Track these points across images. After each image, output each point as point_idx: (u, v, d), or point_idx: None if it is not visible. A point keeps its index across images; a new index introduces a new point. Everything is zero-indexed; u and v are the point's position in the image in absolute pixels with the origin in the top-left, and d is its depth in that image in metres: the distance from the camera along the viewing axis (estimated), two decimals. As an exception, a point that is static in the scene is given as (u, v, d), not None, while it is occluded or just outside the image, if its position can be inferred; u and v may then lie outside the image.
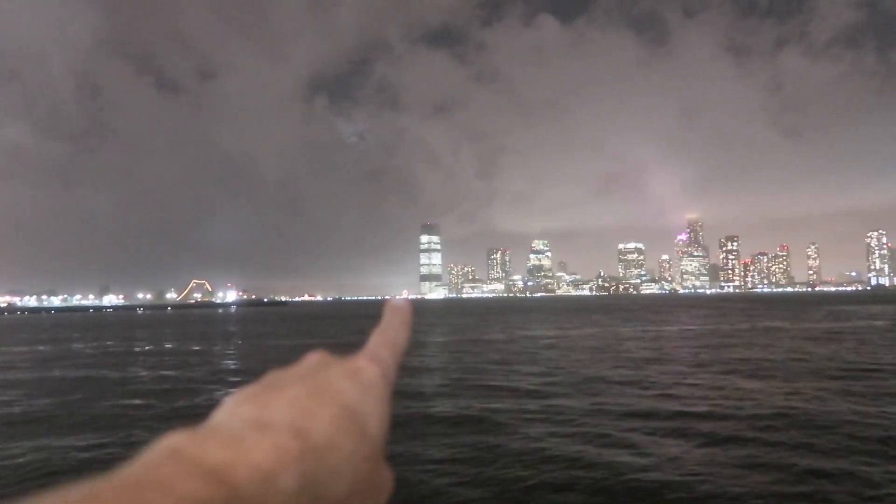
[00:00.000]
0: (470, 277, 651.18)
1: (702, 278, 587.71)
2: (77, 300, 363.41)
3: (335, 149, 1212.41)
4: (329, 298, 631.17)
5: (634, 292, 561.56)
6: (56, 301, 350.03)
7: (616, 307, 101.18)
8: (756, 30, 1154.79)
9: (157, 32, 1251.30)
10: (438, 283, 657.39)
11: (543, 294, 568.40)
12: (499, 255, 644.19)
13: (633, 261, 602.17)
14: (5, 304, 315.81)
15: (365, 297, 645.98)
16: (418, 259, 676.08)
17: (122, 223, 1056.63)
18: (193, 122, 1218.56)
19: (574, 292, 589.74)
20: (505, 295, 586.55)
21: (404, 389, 15.72)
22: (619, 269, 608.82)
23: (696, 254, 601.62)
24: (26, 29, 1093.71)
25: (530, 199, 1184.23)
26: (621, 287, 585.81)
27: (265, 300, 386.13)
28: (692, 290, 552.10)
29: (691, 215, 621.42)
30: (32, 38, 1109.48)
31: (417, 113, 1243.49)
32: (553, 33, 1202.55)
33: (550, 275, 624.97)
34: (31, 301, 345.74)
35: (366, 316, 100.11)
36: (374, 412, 0.36)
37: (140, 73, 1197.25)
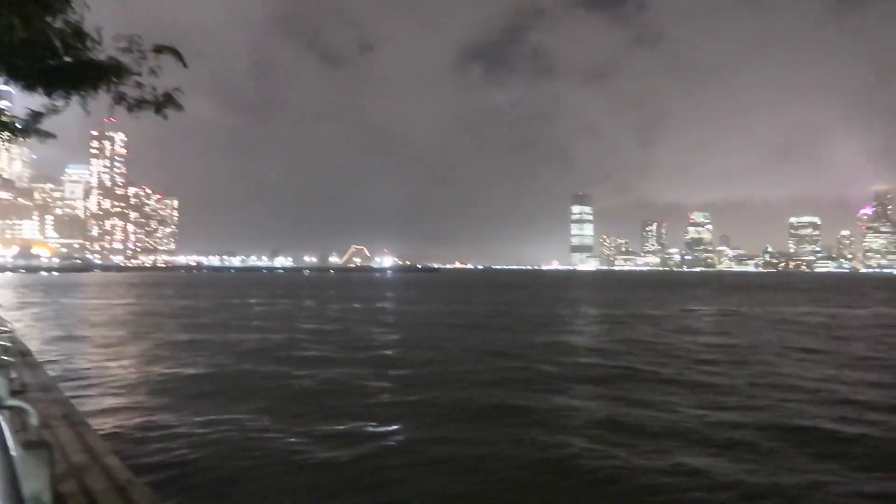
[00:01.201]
0: (623, 250, 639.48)
1: (889, 257, 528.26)
2: (253, 261, 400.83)
3: (488, 117, 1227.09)
4: (479, 267, 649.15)
5: (807, 269, 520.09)
6: (235, 261, 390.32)
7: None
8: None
9: (321, 8, 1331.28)
10: (590, 255, 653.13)
11: (703, 269, 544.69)
12: (655, 226, 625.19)
13: (807, 236, 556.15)
14: (195, 263, 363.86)
15: (515, 267, 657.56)
16: (569, 230, 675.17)
17: (292, 190, 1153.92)
18: (354, 94, 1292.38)
19: (737, 268, 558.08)
20: (660, 269, 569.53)
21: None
22: (790, 245, 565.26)
23: (883, 229, 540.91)
24: (209, 11, 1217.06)
25: (691, 169, 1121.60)
26: (791, 264, 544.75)
27: (419, 266, 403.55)
28: (877, 270, 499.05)
29: (879, 187, 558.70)
30: (214, 19, 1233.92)
31: (572, 79, 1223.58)
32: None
33: (711, 249, 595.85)
34: (214, 261, 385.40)
35: (515, 286, 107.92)
36: None
37: (307, 48, 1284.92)
